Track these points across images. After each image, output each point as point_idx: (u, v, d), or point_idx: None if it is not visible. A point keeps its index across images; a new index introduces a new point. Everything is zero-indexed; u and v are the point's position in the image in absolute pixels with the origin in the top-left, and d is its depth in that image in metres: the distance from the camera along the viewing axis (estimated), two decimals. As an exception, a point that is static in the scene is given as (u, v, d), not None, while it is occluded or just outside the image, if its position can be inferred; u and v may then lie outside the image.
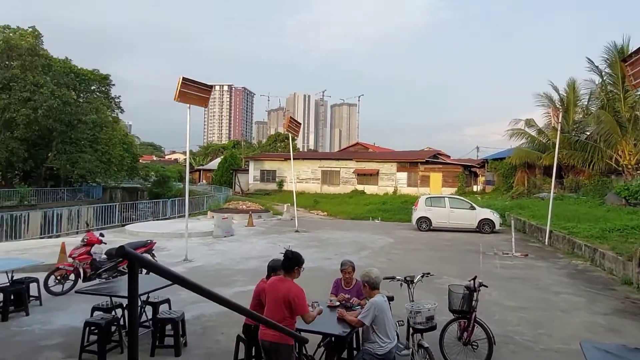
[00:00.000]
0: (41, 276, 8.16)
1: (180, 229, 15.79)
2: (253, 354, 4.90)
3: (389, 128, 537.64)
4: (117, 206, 23.40)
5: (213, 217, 20.48)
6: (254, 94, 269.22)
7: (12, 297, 7.15)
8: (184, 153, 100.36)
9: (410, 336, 4.98)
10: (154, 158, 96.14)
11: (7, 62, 31.05)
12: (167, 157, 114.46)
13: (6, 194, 28.35)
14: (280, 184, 42.57)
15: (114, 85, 42.16)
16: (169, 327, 5.96)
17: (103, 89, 41.65)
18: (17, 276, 7.64)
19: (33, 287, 7.70)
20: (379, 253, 13.78)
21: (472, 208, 19.73)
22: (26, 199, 28.34)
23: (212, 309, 7.40)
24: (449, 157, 45.28)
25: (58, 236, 18.18)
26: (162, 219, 23.83)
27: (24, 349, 5.84)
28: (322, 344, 4.95)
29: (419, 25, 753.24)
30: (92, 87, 40.93)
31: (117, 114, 43.96)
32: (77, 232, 19.72)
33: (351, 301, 5.22)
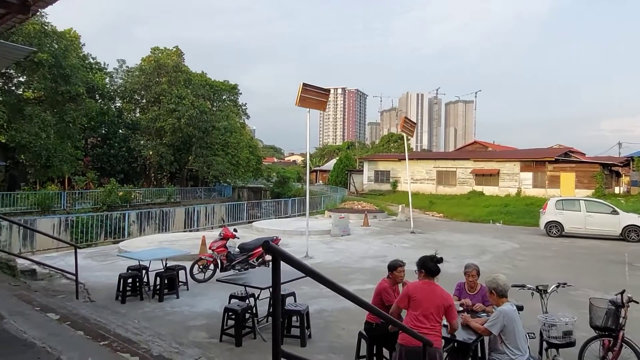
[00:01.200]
0: (187, 265, 9.23)
1: (301, 227, 16.56)
2: (374, 352, 4.97)
3: (510, 125, 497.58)
4: (245, 204, 25.43)
5: (330, 216, 21.11)
6: (367, 96, 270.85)
7: (165, 281, 8.21)
8: (302, 155, 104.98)
9: (544, 351, 4.61)
10: (275, 160, 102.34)
11: (157, 79, 35.66)
12: (286, 158, 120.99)
13: (157, 192, 32.54)
14: (394, 184, 42.19)
15: (241, 94, 45.93)
16: (294, 318, 6.32)
17: (232, 97, 45.58)
18: (169, 264, 8.75)
19: (181, 273, 8.74)
20: (502, 258, 12.91)
21: (615, 213, 17.38)
22: (172, 197, 32.20)
23: (333, 305, 7.66)
24: (584, 154, 40.49)
25: (197, 230, 20.35)
26: (283, 217, 25.24)
27: (176, 327, 6.67)
28: (444, 349, 4.84)
29: (540, 12, 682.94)
30: (223, 97, 45.01)
31: (243, 120, 47.77)
32: (212, 227, 21.85)
33: (476, 307, 5.00)
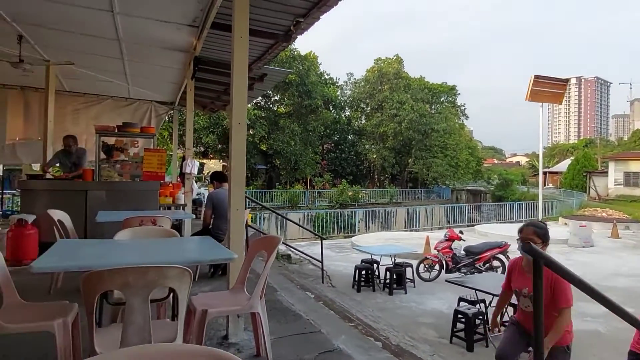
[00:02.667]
0: (413, 262, 9.45)
1: (531, 233, 14.94)
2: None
3: None
4: (465, 207, 24.49)
5: (566, 224, 18.40)
6: (610, 83, 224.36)
7: (394, 276, 8.59)
8: (526, 155, 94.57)
9: None
10: (495, 161, 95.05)
11: (380, 87, 37.75)
12: (507, 160, 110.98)
13: (381, 193, 34.44)
14: (654, 189, 33.86)
15: (459, 94, 44.42)
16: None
17: (450, 99, 44.50)
18: (397, 260, 9.11)
19: (408, 271, 9.00)
20: None
21: None
22: (394, 197, 33.56)
23: (579, 325, 6.63)
24: None
25: (417, 230, 20.61)
26: (507, 222, 23.24)
27: (406, 321, 6.89)
28: None
29: None
30: (442, 99, 44.37)
31: (462, 121, 46.04)
32: (431, 228, 21.78)
33: None
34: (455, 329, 6.12)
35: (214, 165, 27.65)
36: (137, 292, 1.94)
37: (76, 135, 8.00)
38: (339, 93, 40.35)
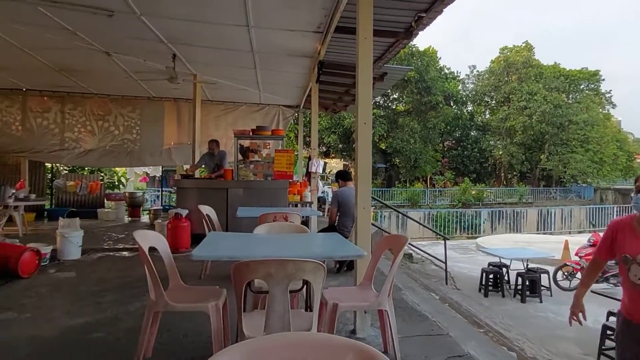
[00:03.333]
0: (549, 269, 8.54)
1: None
2: None
3: None
4: (612, 208, 21.38)
5: None
6: None
7: (527, 283, 7.87)
8: (697, 147, 78.54)
9: None
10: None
11: (506, 79, 34.86)
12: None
13: (508, 192, 31.85)
14: None
15: (603, 80, 38.74)
16: None
17: (592, 86, 39.05)
18: (529, 265, 8.34)
19: (543, 277, 8.18)
20: None
21: None
22: (523, 197, 30.74)
23: None
24: None
25: (551, 233, 18.59)
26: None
27: (542, 332, 6.26)
28: None
29: None
30: (581, 86, 39.22)
31: (607, 110, 40.09)
32: (569, 232, 19.46)
33: None
34: (603, 347, 5.37)
35: (335, 164, 28.47)
36: (278, 283, 2.09)
37: (217, 139, 8.94)
38: (460, 87, 38.29)
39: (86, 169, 12.45)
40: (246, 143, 8.03)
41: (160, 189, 14.21)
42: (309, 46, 6.65)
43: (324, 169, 20.62)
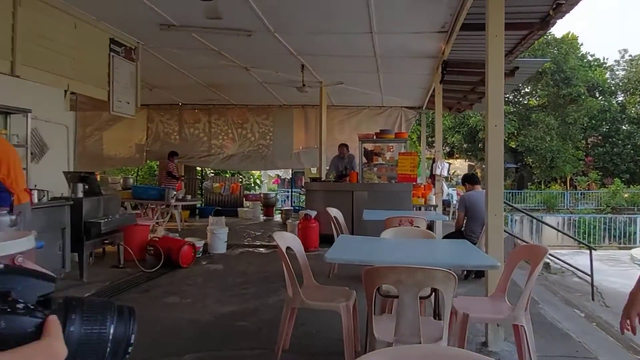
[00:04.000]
0: None
1: None
2: None
3: None
4: None
5: None
6: None
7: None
8: None
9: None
10: None
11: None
12: None
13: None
14: None
15: None
16: None
17: None
18: None
19: None
20: None
21: None
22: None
23: None
24: None
25: None
26: None
27: None
28: None
29: None
30: None
31: None
32: None
33: None
34: None
35: (459, 165, 27.12)
36: (408, 290, 2.10)
37: (342, 142, 9.22)
38: (607, 76, 33.25)
39: (228, 171, 13.91)
40: (370, 146, 8.14)
41: (290, 190, 15.18)
42: (433, 47, 6.48)
43: (448, 171, 19.75)
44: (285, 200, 16.02)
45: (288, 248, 3.04)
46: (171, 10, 5.39)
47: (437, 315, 2.77)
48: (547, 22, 5.48)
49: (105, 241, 5.18)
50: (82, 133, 9.42)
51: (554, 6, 4.90)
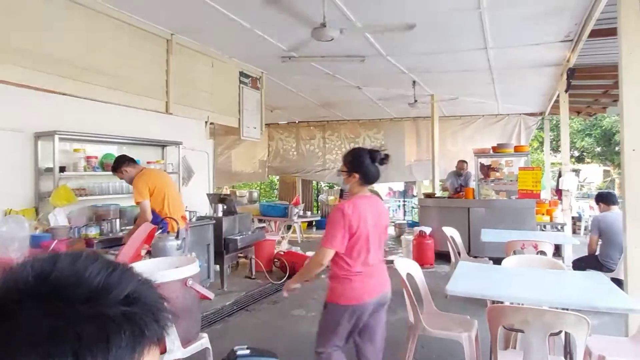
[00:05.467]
0: None
1: None
2: None
3: None
4: None
5: None
6: None
7: None
8: None
9: None
10: None
11: None
12: None
13: None
14: None
15: None
16: None
17: None
18: None
19: None
20: None
21: None
22: None
23: None
24: None
25: None
26: None
27: None
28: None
29: None
30: None
31: None
32: None
33: None
34: None
35: (591, 170, 24.19)
36: (536, 331, 2.10)
37: (455, 153, 8.99)
38: None
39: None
40: (487, 161, 7.82)
41: (402, 199, 15.15)
42: (556, 55, 6.05)
43: (577, 175, 17.64)
44: (396, 210, 15.98)
45: (408, 274, 3.17)
46: (291, 43, 5.90)
47: (568, 354, 2.66)
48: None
49: (240, 254, 5.87)
50: (215, 154, 10.68)
51: None
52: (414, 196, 14.16)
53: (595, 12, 4.30)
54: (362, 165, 2.34)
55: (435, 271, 6.44)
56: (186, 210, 5.03)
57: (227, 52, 6.51)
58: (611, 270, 4.39)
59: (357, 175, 2.36)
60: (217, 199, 5.76)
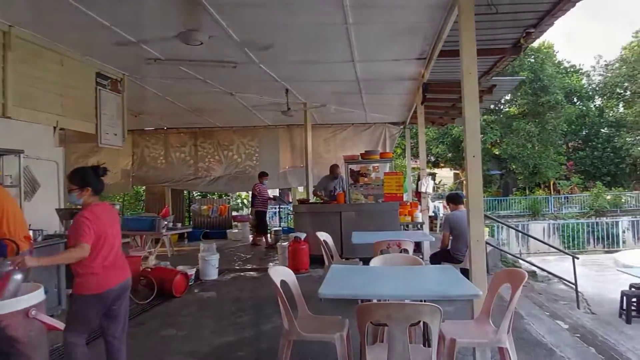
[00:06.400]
0: None
1: None
2: None
3: None
4: None
5: None
6: None
7: None
8: None
9: None
10: None
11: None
12: None
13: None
14: None
15: None
16: None
17: None
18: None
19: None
20: None
21: None
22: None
23: None
24: None
25: None
26: None
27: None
28: None
29: None
30: None
31: None
32: None
33: None
34: None
35: (445, 174, 27.58)
36: (398, 323, 2.30)
37: (327, 160, 9.43)
38: (584, 81, 34.34)
39: (215, 193, 13.98)
40: (356, 167, 8.38)
41: (277, 206, 15.34)
42: (413, 71, 6.78)
43: (433, 178, 20.12)
44: (272, 217, 16.13)
45: (282, 281, 3.21)
46: (157, 45, 5.56)
47: (426, 341, 2.96)
48: (518, 48, 5.83)
49: (99, 275, 5.26)
50: (68, 163, 9.47)
51: (524, 34, 5.22)
52: (289, 202, 14.47)
53: (443, 34, 4.94)
54: (92, 179, 2.89)
55: (311, 275, 6.64)
56: (30, 230, 4.35)
57: (80, 50, 5.87)
58: (460, 262, 5.04)
59: (89, 189, 2.88)
60: (68, 214, 5.09)
